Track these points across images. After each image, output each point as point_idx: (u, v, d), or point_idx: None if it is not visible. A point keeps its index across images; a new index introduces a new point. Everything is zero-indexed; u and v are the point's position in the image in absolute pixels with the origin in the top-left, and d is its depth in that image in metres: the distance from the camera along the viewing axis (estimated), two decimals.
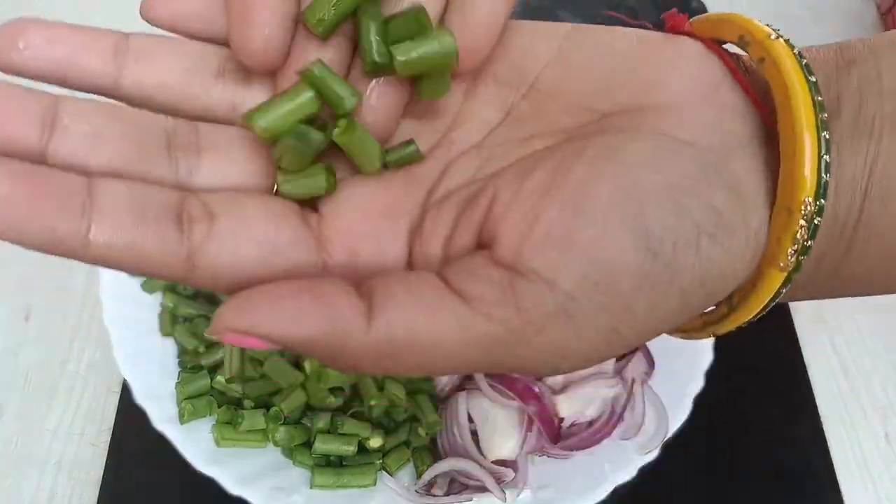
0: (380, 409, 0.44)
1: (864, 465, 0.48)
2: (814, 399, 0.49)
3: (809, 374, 0.51)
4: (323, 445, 0.42)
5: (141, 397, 0.42)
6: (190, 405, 0.42)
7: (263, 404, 0.43)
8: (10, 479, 0.46)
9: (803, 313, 0.54)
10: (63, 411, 0.48)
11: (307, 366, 0.42)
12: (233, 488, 0.40)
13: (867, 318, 0.54)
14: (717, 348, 0.49)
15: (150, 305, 0.46)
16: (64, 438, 0.47)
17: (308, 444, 0.43)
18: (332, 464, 0.43)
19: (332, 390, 0.43)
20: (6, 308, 0.52)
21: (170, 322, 0.46)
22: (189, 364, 0.44)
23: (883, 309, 0.55)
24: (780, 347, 0.52)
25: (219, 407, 0.43)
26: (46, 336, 0.51)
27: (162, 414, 0.42)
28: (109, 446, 0.46)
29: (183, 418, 0.42)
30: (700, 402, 0.46)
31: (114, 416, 0.47)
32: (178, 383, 0.44)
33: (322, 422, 0.43)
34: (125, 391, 0.47)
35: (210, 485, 0.40)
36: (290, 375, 0.42)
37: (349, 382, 0.44)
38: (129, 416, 0.46)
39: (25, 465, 0.46)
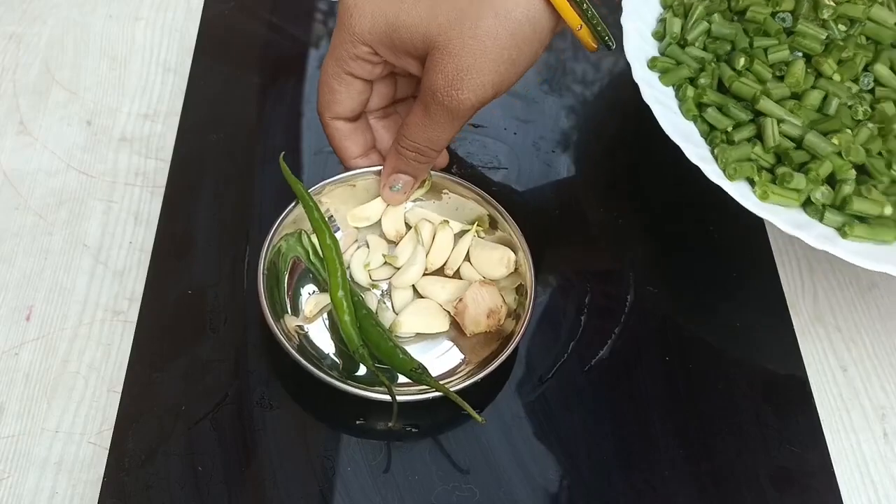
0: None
1: (863, 466, 0.48)
2: (812, 399, 0.49)
3: (808, 373, 0.51)
4: (857, 206, 0.48)
5: (694, 158, 0.48)
6: (733, 167, 0.49)
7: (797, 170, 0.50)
8: (10, 479, 0.46)
9: (803, 313, 0.54)
10: (63, 411, 0.48)
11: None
12: (788, 230, 0.46)
13: (867, 318, 0.55)
14: (716, 348, 0.49)
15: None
16: (64, 438, 0.47)
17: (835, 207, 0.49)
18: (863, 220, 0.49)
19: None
20: (6, 308, 0.52)
21: (696, 108, 0.53)
22: (718, 139, 0.51)
23: (883, 309, 0.55)
24: (779, 347, 0.52)
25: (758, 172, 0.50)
26: (46, 336, 0.51)
27: (714, 171, 0.49)
28: (110, 446, 0.46)
29: (732, 177, 0.49)
30: (696, 401, 0.46)
31: (114, 415, 0.47)
32: (718, 150, 0.50)
33: (848, 187, 0.49)
34: (125, 390, 0.47)
35: (210, 484, 0.40)
36: (827, 148, 0.49)
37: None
38: (130, 416, 0.46)
39: (25, 465, 0.46)
